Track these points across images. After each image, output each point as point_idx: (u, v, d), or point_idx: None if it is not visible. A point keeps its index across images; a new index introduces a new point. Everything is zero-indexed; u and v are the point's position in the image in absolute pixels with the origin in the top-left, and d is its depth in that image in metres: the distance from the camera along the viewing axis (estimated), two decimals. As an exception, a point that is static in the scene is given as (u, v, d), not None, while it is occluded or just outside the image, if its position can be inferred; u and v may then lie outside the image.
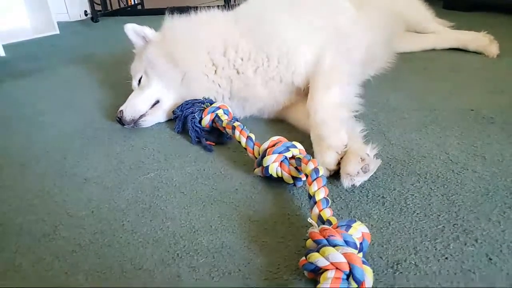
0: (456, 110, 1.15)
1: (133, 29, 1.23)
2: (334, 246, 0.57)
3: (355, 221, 0.62)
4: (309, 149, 0.92)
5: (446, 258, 0.64)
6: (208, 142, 1.04)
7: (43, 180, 0.94)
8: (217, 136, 1.07)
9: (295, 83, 1.11)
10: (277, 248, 0.68)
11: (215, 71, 1.14)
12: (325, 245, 0.57)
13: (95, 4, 2.69)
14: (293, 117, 1.14)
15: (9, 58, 2.05)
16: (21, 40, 2.32)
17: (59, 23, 2.50)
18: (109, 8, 2.82)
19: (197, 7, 2.83)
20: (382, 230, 0.71)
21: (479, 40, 1.64)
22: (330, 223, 0.64)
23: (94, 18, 2.64)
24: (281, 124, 1.17)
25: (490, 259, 0.63)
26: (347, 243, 0.58)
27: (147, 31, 1.22)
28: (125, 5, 2.95)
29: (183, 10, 2.74)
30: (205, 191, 0.85)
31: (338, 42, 1.16)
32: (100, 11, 2.74)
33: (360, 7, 1.53)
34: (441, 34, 1.74)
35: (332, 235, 0.58)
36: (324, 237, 0.58)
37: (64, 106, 1.41)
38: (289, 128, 1.13)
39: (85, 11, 2.81)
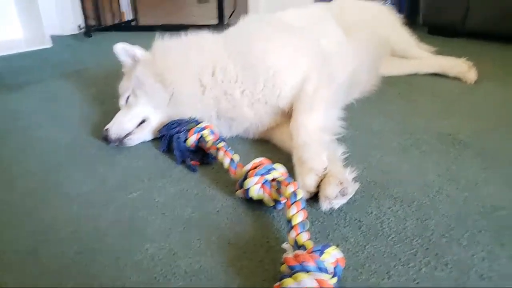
0: (435, 134, 1.19)
1: (123, 49, 1.25)
2: (307, 272, 0.58)
3: (330, 246, 0.64)
4: (292, 171, 0.94)
5: (418, 282, 0.66)
6: (192, 162, 1.06)
7: (29, 198, 0.94)
8: (202, 156, 1.08)
9: (280, 105, 1.14)
10: (255, 271, 0.70)
11: (203, 91, 1.17)
12: (298, 271, 0.59)
13: (89, 19, 2.73)
14: (278, 138, 1.16)
15: (1, 71, 2.06)
16: (14, 52, 2.33)
17: (52, 37, 2.52)
18: (103, 23, 2.85)
19: (190, 25, 2.89)
20: (357, 254, 0.73)
21: (458, 66, 1.71)
22: (305, 248, 0.66)
23: (87, 33, 2.67)
24: (266, 144, 1.19)
25: (459, 284, 0.65)
26: (320, 269, 0.59)
27: (137, 51, 1.24)
28: (119, 20, 2.99)
29: (176, 28, 2.80)
30: (186, 213, 0.86)
31: (323, 66, 1.20)
32: (93, 26, 2.77)
33: (349, 31, 1.59)
34: (424, 59, 1.81)
35: (305, 261, 0.59)
36: (298, 262, 0.60)
37: (53, 121, 1.42)
38: (274, 149, 1.15)
39: (79, 25, 2.84)
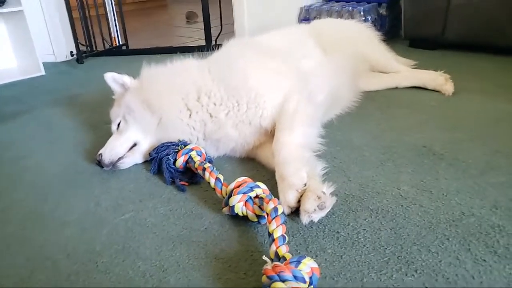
0: (411, 147, 1.26)
1: (112, 78, 1.32)
2: (283, 281, 0.64)
3: (305, 257, 0.70)
4: (276, 187, 1.00)
5: (389, 288, 0.71)
6: (181, 182, 1.12)
7: (23, 225, 0.99)
8: (191, 176, 1.14)
9: (263, 125, 1.21)
10: (239, 284, 0.75)
11: (190, 115, 1.24)
12: (276, 281, 0.64)
13: (80, 45, 2.81)
14: (262, 156, 1.23)
15: (-7, 100, 2.12)
16: (7, 81, 2.39)
17: (45, 64, 2.59)
18: (94, 49, 2.93)
19: (180, 47, 2.99)
20: (334, 264, 0.78)
21: (436, 79, 1.79)
22: (284, 259, 0.72)
23: (80, 60, 2.75)
24: (252, 162, 1.25)
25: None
26: (296, 278, 0.65)
27: (126, 79, 1.32)
28: (110, 46, 3.08)
29: (166, 50, 2.86)
30: (176, 231, 0.92)
31: (302, 87, 1.28)
32: (85, 52, 2.85)
33: (328, 50, 1.68)
34: (403, 73, 1.89)
35: (282, 271, 0.65)
36: (276, 273, 0.65)
37: (46, 148, 1.47)
38: (259, 167, 1.22)
39: (71, 52, 2.92)
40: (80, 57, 2.76)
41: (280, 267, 0.66)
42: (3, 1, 2.42)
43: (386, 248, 0.81)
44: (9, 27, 2.59)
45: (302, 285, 0.65)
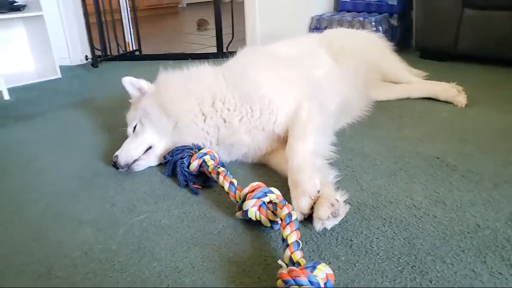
0: (424, 157, 1.26)
1: (130, 82, 1.35)
2: (299, 286, 0.64)
3: (320, 263, 0.70)
4: (288, 193, 1.01)
5: (403, 297, 0.72)
6: (195, 186, 1.13)
7: (40, 223, 1.01)
8: (204, 180, 1.16)
9: (276, 131, 1.23)
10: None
11: (204, 120, 1.26)
12: (291, 285, 0.65)
13: (95, 50, 2.87)
14: (274, 162, 1.24)
15: (13, 102, 2.17)
16: (25, 83, 2.45)
17: (61, 67, 2.65)
18: (108, 53, 2.99)
19: (192, 54, 3.03)
20: (347, 271, 0.79)
21: (448, 90, 1.79)
22: (299, 264, 0.72)
23: (94, 64, 2.80)
24: (264, 168, 1.27)
25: (442, 298, 0.71)
26: (311, 283, 0.66)
27: (143, 83, 1.34)
28: (124, 51, 3.14)
29: (178, 56, 2.91)
30: (190, 233, 0.93)
31: (315, 95, 1.29)
32: (100, 56, 2.91)
33: (339, 59, 1.69)
34: (415, 84, 1.89)
35: (298, 276, 0.66)
36: (291, 277, 0.66)
37: (62, 149, 1.50)
38: (271, 172, 1.23)
39: (86, 56, 2.98)
40: (95, 61, 2.81)
41: (296, 271, 0.67)
42: (24, 6, 2.49)
43: (399, 258, 0.82)
44: (28, 30, 2.65)
45: (317, 290, 0.65)
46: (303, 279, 0.65)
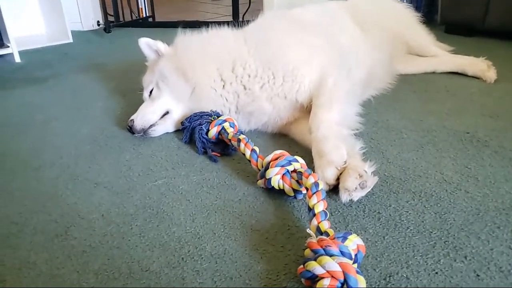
0: (452, 132, 1.20)
1: (146, 43, 1.29)
2: (330, 255, 0.61)
3: (351, 234, 0.66)
4: (310, 164, 0.96)
5: (436, 273, 0.68)
6: (213, 153, 1.09)
7: (56, 184, 0.99)
8: (223, 148, 1.12)
9: (299, 100, 1.17)
10: (277, 256, 0.72)
11: (223, 86, 1.20)
12: (322, 255, 0.61)
13: (108, 15, 2.79)
14: (296, 132, 1.19)
15: (24, 64, 2.13)
16: (36, 47, 2.40)
17: (72, 32, 2.59)
18: (121, 19, 2.91)
19: (206, 22, 2.93)
20: (376, 244, 0.75)
21: (477, 65, 1.70)
22: (327, 234, 0.68)
23: (107, 29, 2.73)
24: (284, 138, 1.22)
25: (478, 275, 0.67)
26: (342, 253, 0.62)
27: (160, 45, 1.28)
28: (137, 17, 3.04)
29: (192, 24, 2.81)
30: (209, 200, 0.90)
31: (340, 62, 1.22)
32: (112, 22, 2.83)
33: (365, 28, 1.60)
34: (441, 58, 1.80)
35: (329, 245, 0.62)
36: (322, 247, 0.62)
37: (76, 112, 1.46)
38: (292, 143, 1.18)
39: (98, 21, 2.91)
40: (107, 26, 2.74)
41: (327, 241, 0.63)
42: (34, -34, 2.40)
43: (431, 232, 0.77)
44: (39, -7, 2.58)
45: (348, 261, 0.61)
46: (335, 249, 0.61)
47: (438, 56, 1.82)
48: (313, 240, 0.65)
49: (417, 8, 2.67)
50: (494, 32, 2.40)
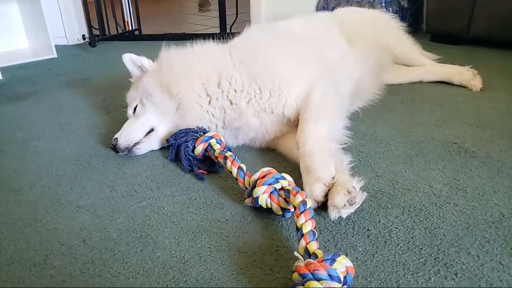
0: (440, 143, 1.20)
1: (130, 59, 1.27)
2: (318, 280, 0.59)
3: (340, 255, 0.65)
4: (299, 180, 0.95)
5: (428, 292, 0.66)
6: (200, 171, 1.07)
7: (36, 207, 0.95)
8: (210, 165, 1.09)
9: (286, 114, 1.15)
10: (265, 280, 0.70)
11: (209, 101, 1.18)
12: (310, 279, 0.59)
13: (93, 29, 2.76)
14: (284, 147, 1.17)
15: (6, 81, 2.08)
16: (19, 62, 2.35)
17: (57, 46, 2.55)
18: (107, 33, 2.88)
19: (193, 34, 2.92)
20: (366, 263, 0.73)
21: (463, 74, 1.72)
22: (316, 256, 0.67)
23: (92, 43, 2.70)
24: (272, 153, 1.20)
25: (469, 293, 0.66)
26: (331, 277, 0.60)
27: (144, 61, 1.26)
28: (123, 30, 3.02)
29: (179, 37, 2.80)
30: (195, 221, 0.87)
31: (328, 77, 1.21)
32: (98, 35, 2.80)
33: (351, 39, 1.60)
34: (428, 67, 1.81)
35: (317, 269, 0.60)
36: (309, 271, 0.60)
37: (59, 130, 1.43)
38: (280, 158, 1.16)
39: (83, 35, 2.87)
40: (92, 40, 2.71)
41: (314, 264, 0.61)
42: (17, -20, 2.38)
43: (421, 249, 0.76)
44: (22, 8, 2.54)
45: (337, 285, 0.59)
46: (322, 273, 0.60)
47: (425, 65, 1.83)
48: (301, 263, 0.63)
49: (403, 18, 2.71)
50: (479, 40, 2.44)
